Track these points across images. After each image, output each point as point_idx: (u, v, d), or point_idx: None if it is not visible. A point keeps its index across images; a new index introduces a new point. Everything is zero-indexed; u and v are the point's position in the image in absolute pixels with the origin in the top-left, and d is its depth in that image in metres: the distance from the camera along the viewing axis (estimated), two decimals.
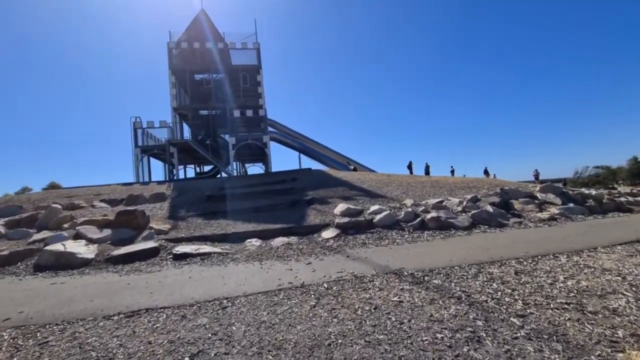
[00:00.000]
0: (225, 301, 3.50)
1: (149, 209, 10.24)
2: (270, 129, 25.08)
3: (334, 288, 3.64)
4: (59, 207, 8.86)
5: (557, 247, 4.99)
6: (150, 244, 6.32)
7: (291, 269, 4.64)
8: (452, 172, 25.84)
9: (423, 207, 8.08)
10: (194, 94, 24.41)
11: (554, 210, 9.07)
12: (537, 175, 32.05)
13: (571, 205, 9.80)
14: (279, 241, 6.67)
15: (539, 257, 4.45)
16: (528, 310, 2.69)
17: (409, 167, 23.60)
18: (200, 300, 3.59)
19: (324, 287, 3.72)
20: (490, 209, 8.08)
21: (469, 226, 7.25)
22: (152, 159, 23.84)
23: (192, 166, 29.27)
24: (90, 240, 6.70)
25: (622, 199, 11.41)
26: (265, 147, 21.56)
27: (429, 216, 7.43)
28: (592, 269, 3.74)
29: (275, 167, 22.86)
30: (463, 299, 3.01)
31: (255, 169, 32.02)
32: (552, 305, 2.77)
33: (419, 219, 7.37)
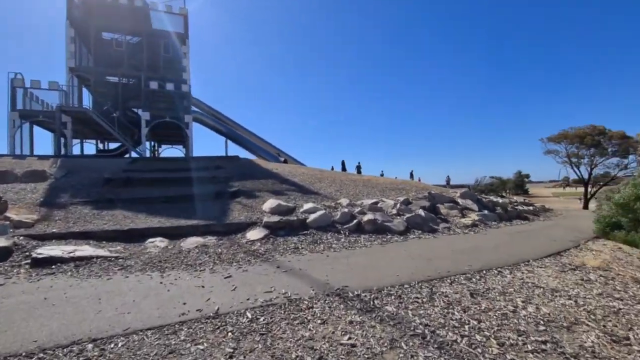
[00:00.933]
0: (90, 347, 2.26)
1: (15, 191, 7.76)
2: (194, 108, 22.46)
3: (261, 320, 2.68)
4: None
5: (494, 259, 4.85)
6: None
7: (203, 285, 3.52)
8: (382, 174, 26.78)
9: (359, 208, 7.58)
10: (100, 55, 20.39)
11: (473, 216, 9.50)
12: (448, 181, 35.55)
13: (486, 212, 10.47)
14: (192, 242, 5.39)
15: (484, 271, 4.17)
16: (508, 357, 2.15)
17: (342, 165, 23.64)
18: (47, 345, 2.28)
19: (247, 317, 2.73)
20: (422, 213, 7.99)
21: (404, 231, 6.97)
22: (37, 129, 19.30)
23: (94, 142, 24.70)
24: None
25: (519, 207, 12.80)
26: (186, 127, 19.12)
27: (365, 218, 6.94)
28: (542, 289, 3.52)
29: (198, 152, 20.53)
30: (428, 338, 2.36)
31: (173, 151, 28.66)
32: (529, 347, 2.29)
33: (355, 221, 6.81)
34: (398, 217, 7.62)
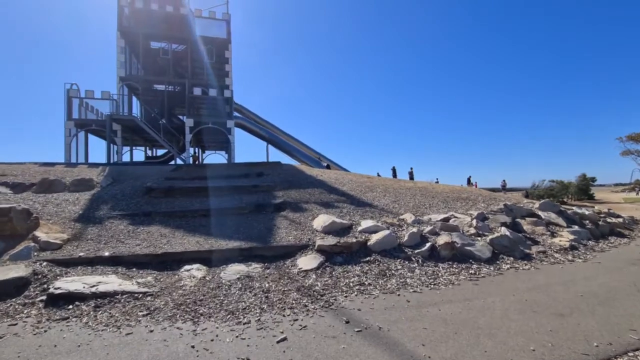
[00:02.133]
0: None
1: (56, 203, 7.44)
2: (236, 114, 22.27)
3: None
4: None
5: None
6: (13, 272, 3.79)
7: (249, 358, 2.47)
8: (437, 181, 24.75)
9: (429, 227, 6.22)
10: (148, 64, 20.90)
11: (566, 235, 7.69)
12: (504, 185, 32.33)
13: (576, 227, 8.58)
14: (233, 271, 4.43)
15: None
16: None
17: (393, 171, 22.12)
18: None
19: None
20: (508, 233, 6.42)
21: (492, 258, 5.51)
22: (91, 137, 20.11)
23: (143, 149, 25.56)
24: None
25: (608, 219, 10.52)
26: (228, 133, 18.83)
27: (440, 241, 5.58)
28: None
29: (239, 158, 20.24)
30: None
31: (216, 157, 28.95)
32: None
33: (428, 245, 5.48)
34: (479, 239, 6.14)
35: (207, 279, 4.23)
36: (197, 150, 26.35)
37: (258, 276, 4.31)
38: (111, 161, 18.75)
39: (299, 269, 4.60)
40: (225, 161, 24.53)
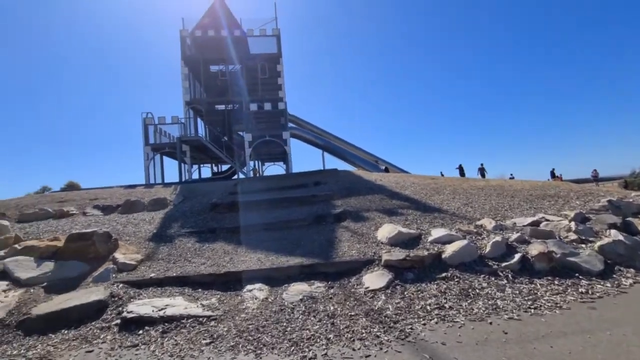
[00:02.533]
0: None
1: (135, 223, 8.07)
2: (290, 124, 22.73)
3: None
4: (6, 224, 6.80)
5: None
6: (94, 295, 4.00)
7: None
8: (512, 177, 22.31)
9: (517, 234, 5.29)
10: (209, 86, 22.48)
11: None
12: (596, 175, 27.81)
13: None
14: (295, 291, 4.16)
15: None
16: None
17: (460, 170, 20.45)
18: None
19: None
20: (621, 237, 5.18)
21: (605, 270, 4.43)
22: (166, 159, 22.15)
23: (209, 166, 27.49)
24: (17, 282, 4.50)
25: None
26: (285, 144, 19.21)
27: (533, 250, 4.68)
28: None
29: (297, 167, 20.49)
30: None
31: (275, 168, 29.93)
32: None
33: (517, 256, 4.62)
34: (583, 246, 5.04)
35: (270, 300, 4.02)
36: (257, 163, 27.50)
37: (322, 297, 3.98)
38: (182, 179, 20.39)
39: (366, 288, 4.15)
40: (284, 171, 25.14)
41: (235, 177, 22.57)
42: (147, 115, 20.04)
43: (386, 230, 5.70)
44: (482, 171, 20.88)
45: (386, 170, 19.77)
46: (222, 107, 23.56)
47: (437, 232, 5.44)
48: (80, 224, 8.36)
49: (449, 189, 9.91)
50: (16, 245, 5.32)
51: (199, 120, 22.95)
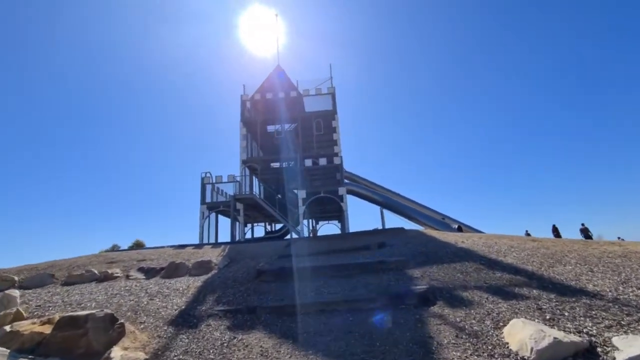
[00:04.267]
0: None
1: (164, 295, 6.71)
2: (346, 181, 21.42)
3: None
4: (16, 294, 5.82)
5: None
6: None
7: None
8: (621, 239, 17.76)
9: None
10: (265, 145, 22.68)
11: None
12: None
13: None
14: None
15: None
16: None
17: (555, 231, 16.86)
18: None
19: None
20: None
21: None
22: (221, 218, 21.88)
23: (263, 224, 26.79)
24: None
25: None
26: (341, 200, 17.66)
27: None
28: None
29: (353, 227, 18.51)
30: None
31: (329, 227, 28.17)
32: None
33: None
34: None
35: None
36: (311, 222, 26.12)
37: None
38: (235, 239, 19.55)
39: None
40: (339, 230, 23.21)
41: (288, 236, 21.23)
42: (205, 175, 20.35)
43: (522, 331, 3.39)
44: (585, 232, 16.73)
45: (459, 229, 16.81)
46: (277, 165, 23.42)
47: (628, 344, 3.01)
48: (110, 292, 7.27)
49: (572, 255, 7.11)
50: (6, 327, 4.11)
51: (254, 179, 22.86)
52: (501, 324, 3.86)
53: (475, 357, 3.23)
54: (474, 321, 4.07)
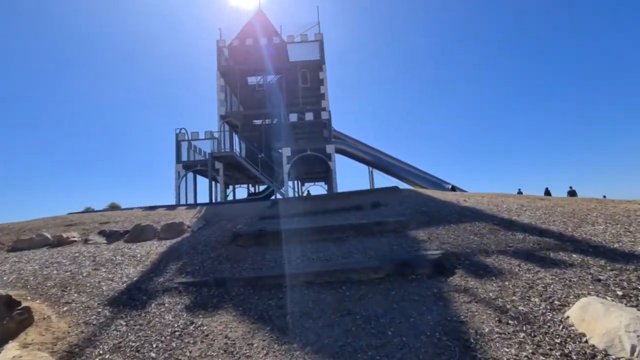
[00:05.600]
0: None
1: (117, 262, 5.47)
2: (334, 140, 20.01)
3: None
4: None
5: None
6: None
7: None
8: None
9: None
10: (246, 99, 20.69)
11: None
12: None
13: None
14: None
15: None
16: None
17: (547, 193, 16.32)
18: None
19: None
20: None
21: None
22: (201, 179, 20.36)
23: (246, 186, 25.47)
24: None
25: None
26: (329, 159, 16.39)
27: None
28: None
29: (341, 188, 17.44)
30: None
31: (316, 189, 27.15)
32: None
33: None
34: None
35: None
36: (297, 184, 24.97)
37: None
38: (215, 200, 18.28)
39: None
40: (326, 192, 22.22)
41: (273, 197, 20.09)
42: (180, 131, 18.49)
43: (605, 318, 2.30)
44: (573, 194, 16.37)
45: (453, 189, 16.05)
46: (259, 121, 21.62)
47: None
48: (51, 260, 5.97)
49: (595, 214, 6.21)
50: None
51: (235, 136, 21.10)
52: (556, 302, 2.82)
53: (541, 357, 2.17)
54: (515, 298, 3.02)
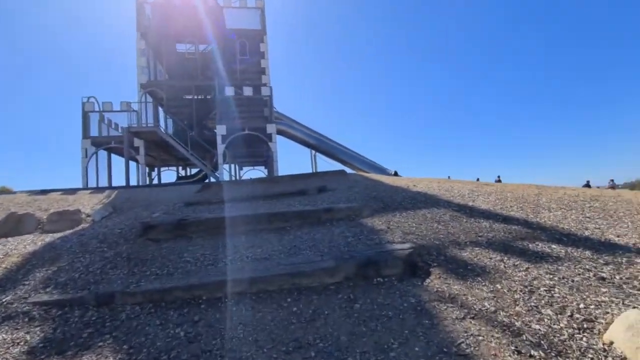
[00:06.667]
0: None
1: None
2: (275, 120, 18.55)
3: None
4: None
5: None
6: None
7: None
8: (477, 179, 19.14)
9: None
10: (174, 69, 17.98)
11: None
12: (613, 186, 25.28)
13: None
14: None
15: None
16: None
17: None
18: None
19: None
20: None
21: None
22: (118, 159, 17.33)
23: (175, 168, 22.67)
24: None
25: None
26: (269, 140, 14.99)
27: None
28: None
29: (282, 173, 16.24)
30: None
31: (255, 174, 25.44)
32: None
33: None
34: None
35: None
36: (232, 167, 22.99)
37: None
38: (135, 183, 15.71)
39: None
40: (266, 176, 20.79)
41: (207, 182, 18.02)
42: (88, 100, 15.30)
43: None
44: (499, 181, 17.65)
45: (396, 174, 15.98)
46: (190, 97, 19.05)
47: None
48: None
49: (544, 200, 6.07)
50: None
51: (160, 110, 18.31)
52: (577, 316, 2.12)
53: None
54: (521, 310, 2.26)
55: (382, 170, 16.83)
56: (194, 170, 22.23)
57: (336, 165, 18.23)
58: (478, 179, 16.36)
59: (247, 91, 15.17)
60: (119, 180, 17.15)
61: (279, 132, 17.55)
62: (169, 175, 22.56)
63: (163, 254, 4.16)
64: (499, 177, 19.74)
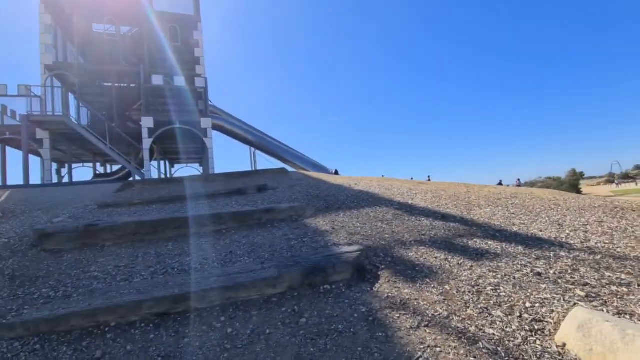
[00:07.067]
0: None
1: None
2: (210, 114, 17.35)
3: None
4: None
5: None
6: None
7: None
8: (429, 178, 20.84)
9: None
10: (90, 51, 15.68)
11: None
12: (520, 184, 29.10)
13: None
14: None
15: None
16: None
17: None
18: None
19: None
20: None
21: None
22: (16, 152, 14.52)
23: (91, 165, 19.87)
24: None
25: None
26: (204, 135, 13.91)
27: None
28: None
29: (218, 171, 15.25)
30: None
31: (188, 171, 23.62)
32: None
33: None
34: None
35: None
36: (162, 165, 21.01)
37: None
38: (43, 183, 13.33)
39: None
40: (201, 174, 19.38)
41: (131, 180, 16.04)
42: None
43: (636, 349, 1.61)
44: (426, 179, 19.04)
45: (336, 173, 16.10)
46: (109, 84, 16.82)
47: None
48: None
49: (473, 197, 6.49)
50: None
51: (71, 97, 15.83)
52: (526, 316, 2.10)
53: None
54: (472, 313, 2.18)
55: (324, 169, 16.85)
56: (115, 168, 19.81)
57: (277, 164, 17.77)
58: (412, 178, 17.29)
59: (179, 81, 13.88)
60: (16, 178, 14.37)
61: (215, 128, 16.46)
62: (84, 172, 19.76)
63: (62, 269, 3.37)
64: (429, 176, 21.27)
